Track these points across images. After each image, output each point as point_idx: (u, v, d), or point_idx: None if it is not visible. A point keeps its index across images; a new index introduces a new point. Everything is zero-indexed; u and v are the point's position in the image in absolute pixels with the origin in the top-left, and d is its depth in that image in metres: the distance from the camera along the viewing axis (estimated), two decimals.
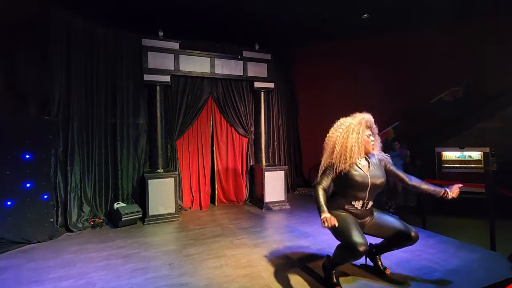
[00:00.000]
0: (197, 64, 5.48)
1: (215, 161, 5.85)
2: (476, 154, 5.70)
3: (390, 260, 2.91)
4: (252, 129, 6.13)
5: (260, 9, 4.96)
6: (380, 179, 2.43)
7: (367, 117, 2.48)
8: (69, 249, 3.60)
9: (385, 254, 2.77)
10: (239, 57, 5.80)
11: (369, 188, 2.40)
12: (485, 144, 5.53)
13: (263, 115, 6.05)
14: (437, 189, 2.47)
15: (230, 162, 5.94)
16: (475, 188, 4.92)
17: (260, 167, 5.69)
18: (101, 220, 4.60)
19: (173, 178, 4.86)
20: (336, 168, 2.38)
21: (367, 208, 2.49)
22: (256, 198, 5.90)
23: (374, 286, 2.55)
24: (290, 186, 6.95)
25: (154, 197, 4.71)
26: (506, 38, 5.72)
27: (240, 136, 6.07)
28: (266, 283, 2.66)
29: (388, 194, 5.65)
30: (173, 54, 5.28)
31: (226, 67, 5.71)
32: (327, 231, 2.42)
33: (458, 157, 5.84)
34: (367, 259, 2.87)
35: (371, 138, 2.49)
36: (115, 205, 4.71)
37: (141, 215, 4.66)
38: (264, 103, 6.08)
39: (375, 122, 2.55)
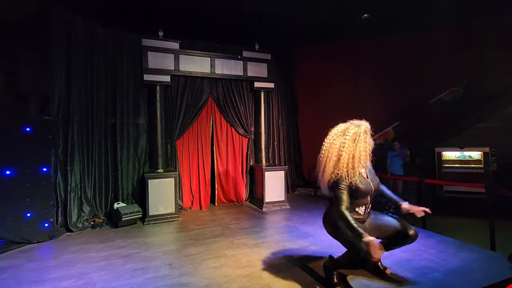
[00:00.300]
0: (197, 64, 5.48)
1: (215, 161, 5.85)
2: (476, 154, 5.70)
3: (390, 260, 2.91)
4: (252, 129, 6.13)
5: (260, 9, 4.96)
6: (376, 182, 2.50)
7: (369, 125, 2.46)
8: (69, 249, 3.60)
9: (385, 254, 2.76)
10: (239, 57, 5.79)
11: (372, 193, 2.45)
12: (485, 144, 5.54)
13: (263, 115, 6.05)
14: (398, 200, 2.53)
15: (230, 162, 5.94)
16: (475, 188, 4.93)
17: (260, 167, 5.69)
18: (101, 220, 4.60)
19: (173, 178, 4.86)
20: (346, 181, 2.31)
21: (368, 212, 2.53)
22: (256, 198, 5.90)
23: (374, 286, 2.56)
24: (290, 186, 6.95)
25: (154, 197, 4.71)
26: (506, 38, 5.72)
27: (240, 136, 6.07)
28: (266, 283, 2.66)
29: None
30: (173, 54, 5.28)
31: (226, 67, 5.71)
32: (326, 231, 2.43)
33: (458, 157, 5.85)
34: None
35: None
36: (115, 205, 4.71)
37: (141, 215, 4.67)
38: (264, 103, 6.07)
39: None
